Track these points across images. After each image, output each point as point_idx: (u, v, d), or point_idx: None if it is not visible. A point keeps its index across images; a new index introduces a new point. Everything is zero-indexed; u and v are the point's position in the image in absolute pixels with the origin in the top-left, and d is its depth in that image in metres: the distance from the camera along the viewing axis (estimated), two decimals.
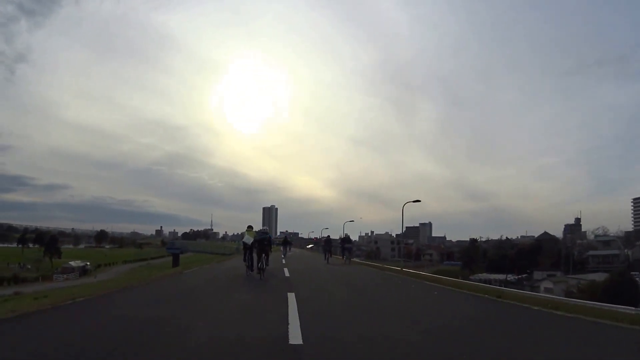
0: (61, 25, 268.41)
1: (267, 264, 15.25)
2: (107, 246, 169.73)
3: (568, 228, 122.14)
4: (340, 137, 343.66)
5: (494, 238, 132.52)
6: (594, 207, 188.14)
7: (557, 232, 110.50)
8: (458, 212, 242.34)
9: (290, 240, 45.60)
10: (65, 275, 62.58)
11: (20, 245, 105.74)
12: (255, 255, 15.40)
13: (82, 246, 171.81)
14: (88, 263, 79.12)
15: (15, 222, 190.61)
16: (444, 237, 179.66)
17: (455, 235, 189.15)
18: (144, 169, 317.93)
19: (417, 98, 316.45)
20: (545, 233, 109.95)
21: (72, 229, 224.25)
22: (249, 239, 15.42)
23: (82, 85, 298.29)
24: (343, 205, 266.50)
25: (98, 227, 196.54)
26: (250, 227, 16.18)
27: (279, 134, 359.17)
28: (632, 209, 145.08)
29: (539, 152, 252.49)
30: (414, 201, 30.98)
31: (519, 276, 72.23)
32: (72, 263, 72.33)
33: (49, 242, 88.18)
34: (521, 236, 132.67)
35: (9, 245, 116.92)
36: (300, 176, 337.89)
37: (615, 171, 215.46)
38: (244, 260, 15.76)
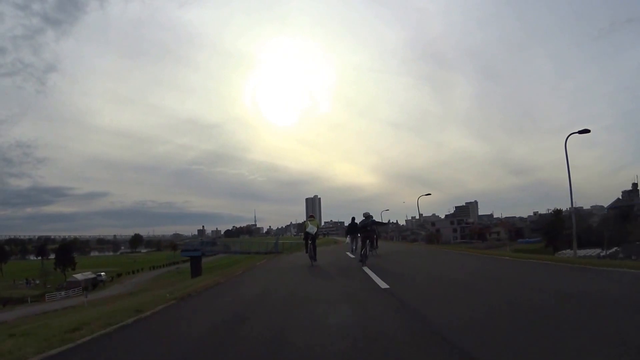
0: (88, 32, 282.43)
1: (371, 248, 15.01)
2: (144, 250, 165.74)
3: (626, 194, 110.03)
4: (378, 121, 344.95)
5: (542, 212, 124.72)
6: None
7: (610, 199, 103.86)
8: (502, 188, 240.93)
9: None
10: (64, 292, 52.53)
11: (39, 257, 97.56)
12: (359, 242, 15.09)
13: (119, 252, 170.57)
14: (103, 273, 69.91)
15: (55, 234, 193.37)
16: (492, 215, 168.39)
17: (502, 212, 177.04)
18: (182, 169, 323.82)
19: (451, 74, 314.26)
20: (619, 200, 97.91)
21: (114, 235, 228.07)
22: (312, 229, 15.13)
23: (114, 90, 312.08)
24: (386, 190, 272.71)
25: (140, 231, 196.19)
26: (312, 217, 16.20)
27: (314, 124, 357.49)
28: None
29: (577, 121, 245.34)
30: (580, 131, 21.64)
31: (612, 250, 59.00)
32: (78, 276, 62.80)
33: (60, 251, 78.97)
34: (567, 208, 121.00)
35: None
36: (340, 164, 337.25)
37: None
38: (307, 252, 15.33)
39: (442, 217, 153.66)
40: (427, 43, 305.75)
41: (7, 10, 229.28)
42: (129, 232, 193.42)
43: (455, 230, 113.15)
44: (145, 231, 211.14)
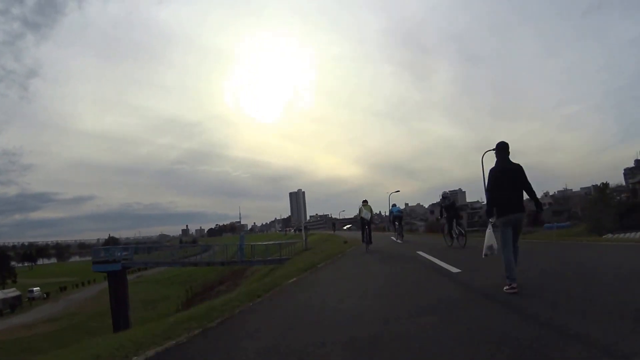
0: (67, 35, 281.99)
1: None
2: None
3: (629, 171, 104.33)
4: (360, 112, 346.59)
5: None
6: (628, 151, 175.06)
7: (600, 179, 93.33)
8: (485, 175, 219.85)
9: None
10: None
11: None
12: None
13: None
14: (36, 288, 57.16)
15: (43, 240, 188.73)
16: (478, 202, 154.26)
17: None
18: (166, 169, 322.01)
19: (432, 60, 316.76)
20: None
21: (98, 239, 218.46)
22: (367, 214, 15.49)
23: (95, 93, 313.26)
24: (369, 181, 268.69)
25: (126, 234, 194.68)
26: (365, 202, 15.96)
27: (296, 117, 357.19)
28: None
29: (563, 101, 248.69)
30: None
31: None
32: None
33: None
34: (558, 191, 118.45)
35: None
36: (323, 157, 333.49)
37: None
38: (363, 238, 15.68)
39: (426, 206, 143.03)
40: (409, 29, 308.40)
41: None
42: (115, 235, 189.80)
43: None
44: (131, 233, 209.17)
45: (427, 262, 9.76)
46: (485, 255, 6.18)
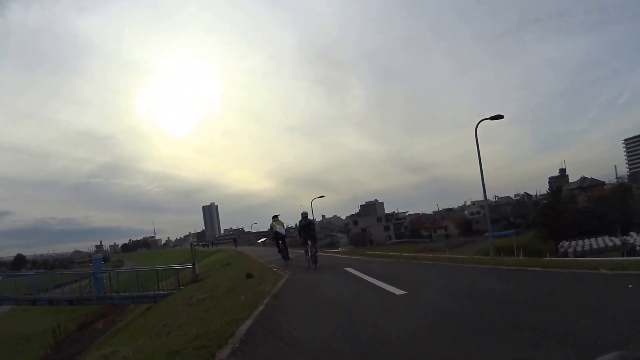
0: None
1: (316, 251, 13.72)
2: (31, 272, 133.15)
3: (554, 179, 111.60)
4: (272, 126, 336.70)
5: (442, 208, 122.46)
6: (544, 162, 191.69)
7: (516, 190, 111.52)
8: (400, 186, 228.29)
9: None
10: None
11: None
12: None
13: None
14: None
15: None
16: (394, 213, 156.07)
17: (403, 210, 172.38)
18: (81, 183, 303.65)
19: (346, 76, 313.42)
20: (593, 179, 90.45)
21: (14, 256, 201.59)
22: (281, 229, 15.76)
23: (12, 105, 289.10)
24: (283, 194, 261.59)
25: (40, 251, 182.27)
26: (276, 217, 16.16)
27: (209, 131, 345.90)
28: (625, 151, 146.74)
29: (479, 116, 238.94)
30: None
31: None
32: None
33: None
34: (477, 200, 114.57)
35: None
36: (235, 171, 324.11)
37: (561, 124, 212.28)
38: (279, 251, 15.97)
39: (343, 217, 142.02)
40: (323, 45, 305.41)
41: None
42: (30, 252, 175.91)
43: (387, 228, 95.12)
44: (47, 250, 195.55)
45: None
46: None
